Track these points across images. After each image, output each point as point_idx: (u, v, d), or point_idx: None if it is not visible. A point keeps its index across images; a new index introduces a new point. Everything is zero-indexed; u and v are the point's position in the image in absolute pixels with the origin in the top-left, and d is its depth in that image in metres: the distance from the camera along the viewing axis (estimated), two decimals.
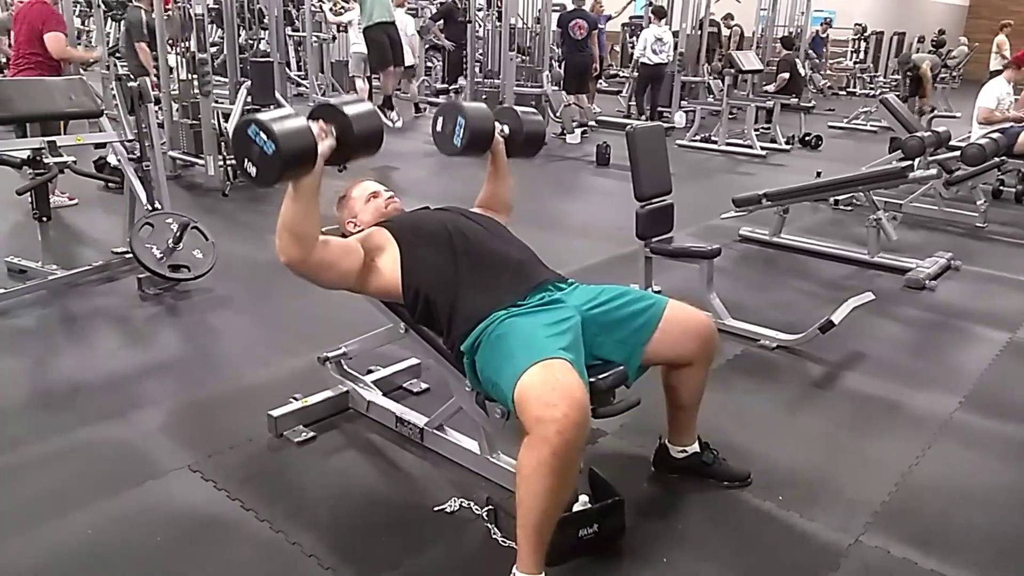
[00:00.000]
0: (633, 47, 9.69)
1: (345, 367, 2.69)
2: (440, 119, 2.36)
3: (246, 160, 1.87)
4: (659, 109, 9.84)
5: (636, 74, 9.92)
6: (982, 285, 4.31)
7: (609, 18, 11.00)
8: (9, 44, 8.15)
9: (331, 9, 11.16)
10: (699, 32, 10.32)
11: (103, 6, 8.29)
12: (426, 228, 2.15)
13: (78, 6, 10.60)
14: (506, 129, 2.43)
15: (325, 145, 1.90)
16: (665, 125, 7.03)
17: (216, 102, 5.88)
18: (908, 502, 2.27)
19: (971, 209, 5.52)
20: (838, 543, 2.08)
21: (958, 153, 5.29)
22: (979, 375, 3.15)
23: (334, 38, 10.67)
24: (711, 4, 10.47)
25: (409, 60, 9.71)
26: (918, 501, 2.28)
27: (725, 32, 12.38)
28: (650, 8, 9.82)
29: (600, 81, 10.89)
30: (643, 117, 9.63)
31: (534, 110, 2.61)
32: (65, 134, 4.12)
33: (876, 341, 3.44)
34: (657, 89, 9.68)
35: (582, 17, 9.02)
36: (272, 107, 6.01)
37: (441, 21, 9.93)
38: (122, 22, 10.62)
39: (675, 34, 10.22)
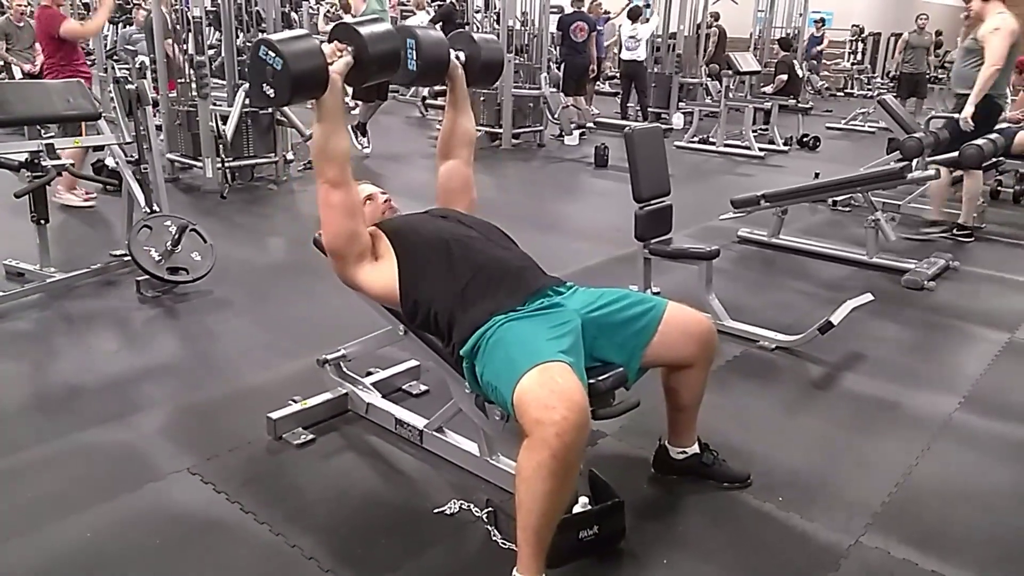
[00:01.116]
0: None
1: (344, 369, 2.69)
2: None
3: (263, 85, 1.94)
4: (652, 110, 9.85)
5: None
6: (980, 285, 4.31)
7: (608, 19, 11.00)
8: (7, 48, 8.16)
9: (326, 14, 11.21)
10: (697, 34, 10.34)
11: None
12: (423, 236, 2.14)
13: (75, 8, 10.62)
14: (462, 56, 2.39)
15: (341, 63, 2.01)
16: (663, 127, 7.04)
17: (214, 104, 5.88)
18: (908, 503, 2.27)
19: None
20: (838, 544, 2.08)
21: (956, 154, 5.29)
22: (978, 375, 3.15)
23: None
24: (708, 5, 10.47)
25: None
26: (918, 502, 2.29)
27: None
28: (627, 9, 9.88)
29: (597, 83, 10.89)
30: (628, 117, 9.69)
31: (493, 37, 2.59)
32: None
33: (875, 342, 3.44)
34: (641, 89, 9.70)
35: (583, 19, 9.03)
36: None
37: (440, 23, 9.94)
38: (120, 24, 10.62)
39: (672, 36, 10.23)
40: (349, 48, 2.03)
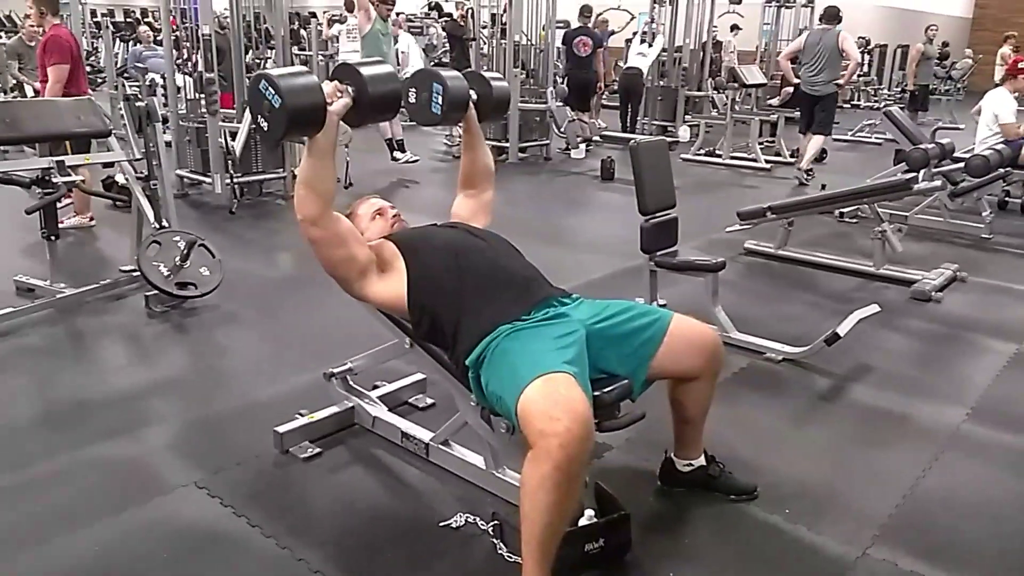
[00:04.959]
0: None
1: (351, 383, 2.70)
2: (413, 90, 2.35)
3: (259, 116, 1.95)
4: (658, 123, 9.89)
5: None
6: (989, 296, 4.30)
7: (612, 33, 11.05)
8: (19, 68, 8.26)
9: (330, 18, 11.38)
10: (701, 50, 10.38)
11: (112, 28, 8.39)
12: (432, 245, 2.17)
13: (87, 27, 10.75)
14: (474, 94, 2.42)
15: (340, 103, 2.00)
16: (669, 139, 7.05)
17: (223, 121, 5.93)
18: (916, 515, 2.26)
19: (977, 220, 5.50)
20: (845, 556, 2.07)
21: (963, 165, 5.29)
22: (986, 386, 3.14)
23: (337, 52, 10.80)
24: (714, 19, 10.51)
25: (418, 64, 9.96)
26: (926, 514, 2.27)
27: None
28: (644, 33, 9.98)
29: (602, 97, 10.92)
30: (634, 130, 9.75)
31: (499, 75, 2.64)
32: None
33: (882, 353, 3.43)
34: (633, 102, 9.76)
35: (587, 34, 9.08)
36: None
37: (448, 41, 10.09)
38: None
39: (679, 49, 10.27)
40: (350, 89, 2.02)
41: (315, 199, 2.01)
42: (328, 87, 2.00)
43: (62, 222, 5.02)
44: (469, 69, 2.67)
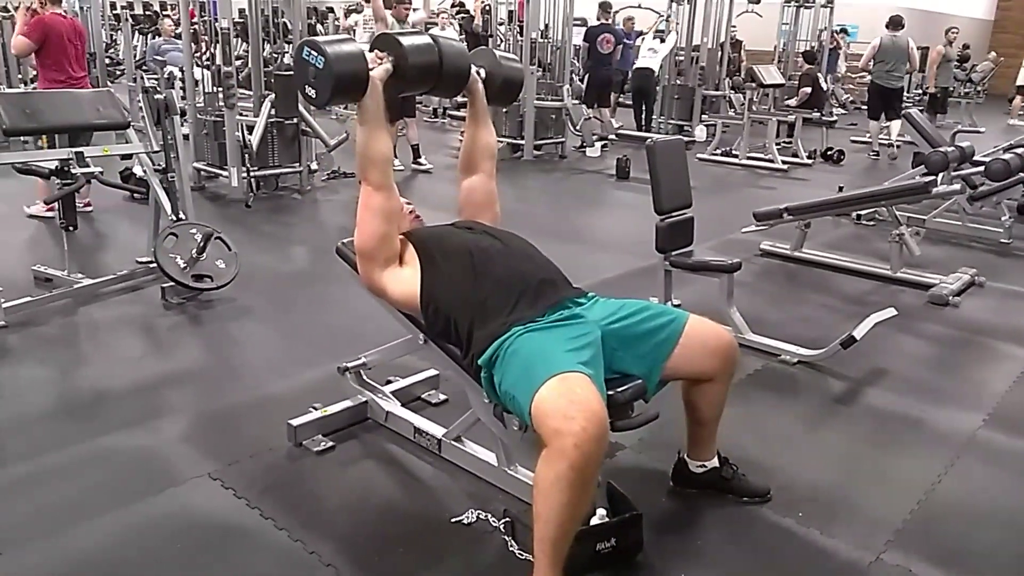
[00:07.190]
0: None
1: (364, 377, 2.71)
2: None
3: (306, 86, 2.06)
4: (674, 122, 9.85)
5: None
6: (1007, 301, 4.26)
7: (640, 34, 11.01)
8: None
9: (346, 11, 11.39)
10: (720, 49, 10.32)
11: (131, 20, 8.43)
12: (448, 246, 2.16)
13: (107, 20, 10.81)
14: (482, 72, 2.41)
15: (381, 69, 2.11)
16: (685, 138, 7.03)
17: (240, 115, 5.95)
18: (930, 520, 2.24)
19: (996, 225, 5.45)
20: (859, 561, 2.05)
21: (982, 168, 5.23)
22: (1003, 393, 3.11)
23: None
24: (732, 19, 10.45)
25: None
26: (940, 519, 2.26)
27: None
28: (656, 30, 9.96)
29: (620, 95, 10.90)
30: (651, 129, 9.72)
31: (515, 56, 2.63)
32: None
33: (899, 357, 3.40)
34: (647, 101, 9.71)
35: (609, 31, 9.05)
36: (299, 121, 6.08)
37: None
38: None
39: (696, 48, 10.23)
40: (389, 56, 2.12)
41: (374, 164, 2.12)
42: (368, 55, 2.09)
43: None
44: (481, 47, 2.63)
